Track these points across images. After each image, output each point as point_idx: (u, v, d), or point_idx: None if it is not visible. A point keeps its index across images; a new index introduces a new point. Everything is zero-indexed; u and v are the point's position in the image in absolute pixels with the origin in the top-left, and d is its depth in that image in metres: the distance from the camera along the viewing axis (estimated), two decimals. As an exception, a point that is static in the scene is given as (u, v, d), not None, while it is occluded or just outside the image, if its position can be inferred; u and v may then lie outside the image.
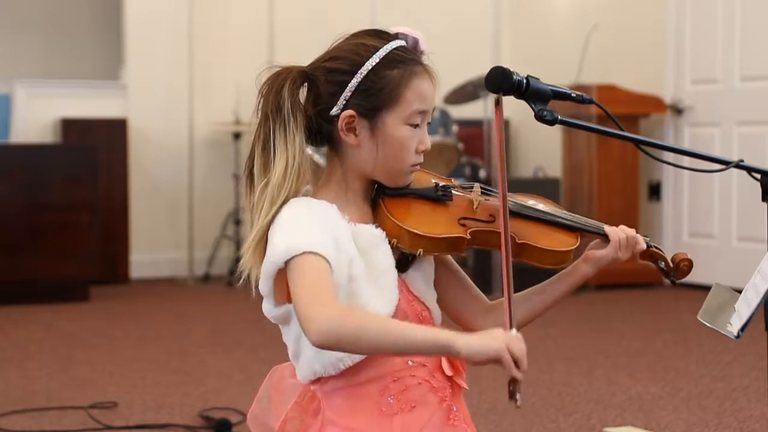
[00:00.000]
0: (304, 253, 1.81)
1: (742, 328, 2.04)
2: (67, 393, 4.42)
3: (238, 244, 7.81)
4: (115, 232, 7.69)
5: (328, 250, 1.83)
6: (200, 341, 5.60)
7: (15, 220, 6.78)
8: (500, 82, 2.01)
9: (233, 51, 8.08)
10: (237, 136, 7.86)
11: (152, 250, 8.00)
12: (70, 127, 7.66)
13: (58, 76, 8.34)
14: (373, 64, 1.91)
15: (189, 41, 7.88)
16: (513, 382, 1.75)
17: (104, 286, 7.31)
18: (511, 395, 1.76)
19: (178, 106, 7.91)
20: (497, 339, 1.74)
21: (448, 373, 1.96)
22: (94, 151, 7.03)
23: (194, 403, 4.23)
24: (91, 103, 7.88)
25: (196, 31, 7.91)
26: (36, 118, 7.79)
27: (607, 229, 2.07)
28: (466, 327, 2.08)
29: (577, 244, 2.05)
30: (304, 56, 2.02)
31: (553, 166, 8.00)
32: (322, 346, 1.77)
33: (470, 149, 7.44)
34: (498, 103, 1.97)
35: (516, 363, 1.74)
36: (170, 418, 4.01)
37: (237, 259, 7.70)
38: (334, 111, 1.92)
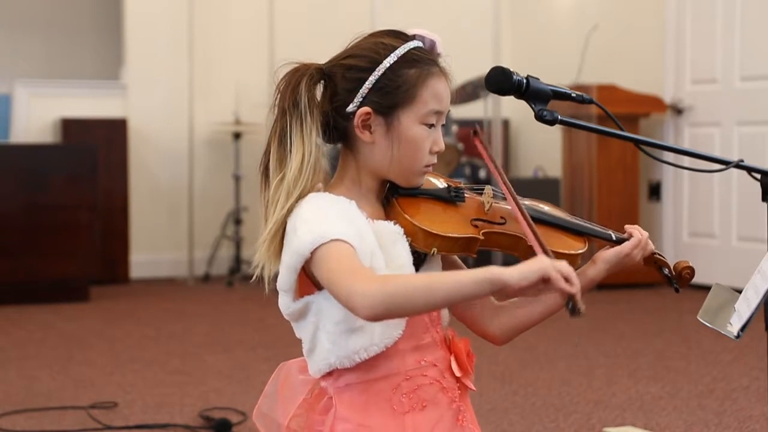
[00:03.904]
0: (331, 240, 1.81)
1: (742, 328, 2.04)
2: (67, 393, 4.42)
3: (238, 244, 7.81)
4: (115, 232, 7.69)
5: (353, 239, 1.83)
6: (200, 341, 5.60)
7: (15, 220, 6.78)
8: (500, 82, 2.02)
9: (233, 51, 8.08)
10: (237, 136, 7.86)
11: (152, 250, 8.00)
12: (70, 127, 7.66)
13: (59, 75, 8.35)
14: (391, 62, 1.92)
15: (189, 41, 7.88)
16: (570, 298, 1.72)
17: (104, 286, 7.32)
18: (573, 311, 1.71)
19: (178, 106, 7.91)
20: (541, 260, 1.73)
21: (457, 374, 1.96)
22: (94, 151, 7.03)
23: (194, 403, 4.23)
24: (91, 103, 7.88)
25: (196, 31, 7.91)
26: (36, 118, 7.79)
27: (618, 233, 2.08)
28: (474, 327, 2.09)
29: (586, 248, 2.06)
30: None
31: (553, 166, 8.00)
32: (377, 316, 1.76)
33: (470, 149, 7.44)
34: (476, 134, 1.99)
35: (566, 278, 1.71)
36: (170, 418, 4.00)
37: (237, 259, 7.77)
38: (351, 107, 1.93)
